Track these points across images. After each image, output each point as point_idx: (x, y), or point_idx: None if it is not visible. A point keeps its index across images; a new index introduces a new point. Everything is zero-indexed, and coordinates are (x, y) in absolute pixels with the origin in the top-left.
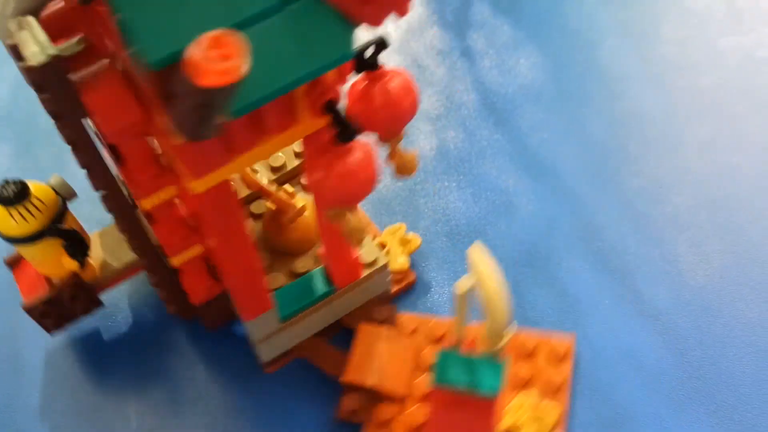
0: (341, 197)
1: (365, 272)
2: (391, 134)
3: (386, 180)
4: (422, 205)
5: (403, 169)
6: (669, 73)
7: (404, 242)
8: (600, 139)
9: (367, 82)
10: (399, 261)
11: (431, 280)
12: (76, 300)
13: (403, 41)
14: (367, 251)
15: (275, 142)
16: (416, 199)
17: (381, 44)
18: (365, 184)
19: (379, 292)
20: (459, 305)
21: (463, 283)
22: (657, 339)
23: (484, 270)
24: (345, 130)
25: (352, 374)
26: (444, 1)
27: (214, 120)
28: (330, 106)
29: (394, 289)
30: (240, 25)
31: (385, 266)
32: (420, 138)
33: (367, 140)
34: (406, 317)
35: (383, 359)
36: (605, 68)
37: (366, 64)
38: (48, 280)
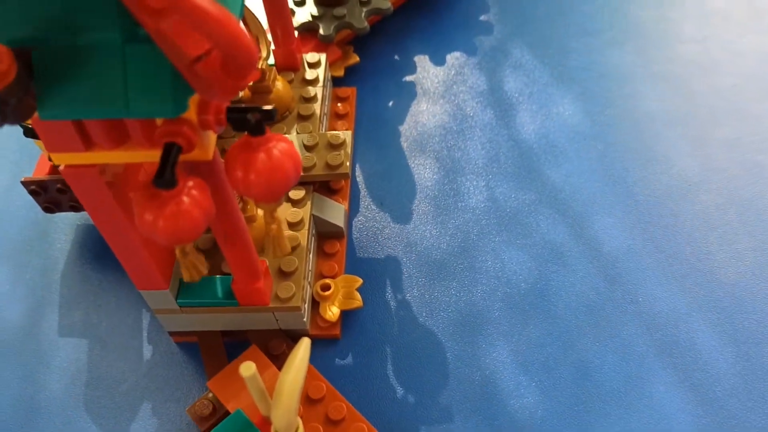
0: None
1: (273, 303)
2: (270, 199)
3: (436, 239)
4: (478, 267)
5: (275, 243)
6: (691, 73)
7: (348, 295)
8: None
9: (248, 146)
10: (331, 310)
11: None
12: (63, 193)
13: (448, 85)
14: (284, 287)
15: (137, 153)
16: (472, 261)
17: (267, 113)
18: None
19: (293, 328)
20: (250, 385)
21: (246, 367)
22: (691, 337)
23: (292, 364)
24: (161, 174)
25: (216, 385)
26: (478, 43)
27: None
28: (167, 148)
29: (315, 333)
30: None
31: (297, 307)
32: (471, 190)
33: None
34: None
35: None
36: (627, 72)
37: (249, 127)
38: (56, 170)
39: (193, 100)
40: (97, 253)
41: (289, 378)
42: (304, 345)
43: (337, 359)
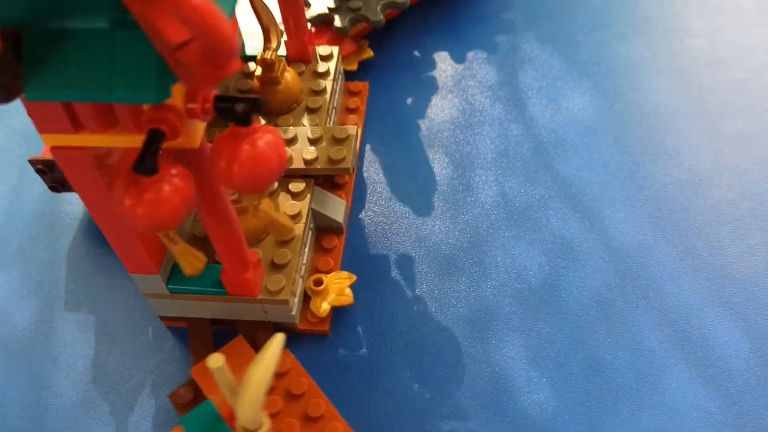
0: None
1: (262, 295)
2: (253, 191)
3: (445, 234)
4: (488, 263)
5: (275, 228)
6: (700, 67)
7: (341, 291)
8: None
9: (234, 136)
10: (322, 306)
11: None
12: None
13: (457, 79)
14: (274, 280)
15: (125, 138)
16: (482, 256)
17: (255, 103)
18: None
19: (281, 321)
20: (217, 377)
21: (214, 359)
22: (703, 333)
23: (262, 359)
24: (141, 161)
25: (198, 374)
26: (492, 38)
27: None
28: (151, 134)
29: (303, 327)
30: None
31: (285, 301)
32: (480, 185)
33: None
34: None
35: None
36: (636, 66)
37: (236, 117)
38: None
39: (181, 88)
40: (103, 247)
41: (257, 372)
42: (277, 341)
43: (347, 351)
